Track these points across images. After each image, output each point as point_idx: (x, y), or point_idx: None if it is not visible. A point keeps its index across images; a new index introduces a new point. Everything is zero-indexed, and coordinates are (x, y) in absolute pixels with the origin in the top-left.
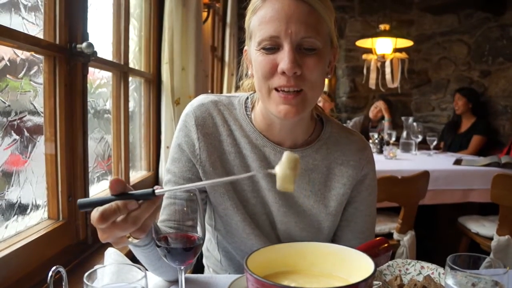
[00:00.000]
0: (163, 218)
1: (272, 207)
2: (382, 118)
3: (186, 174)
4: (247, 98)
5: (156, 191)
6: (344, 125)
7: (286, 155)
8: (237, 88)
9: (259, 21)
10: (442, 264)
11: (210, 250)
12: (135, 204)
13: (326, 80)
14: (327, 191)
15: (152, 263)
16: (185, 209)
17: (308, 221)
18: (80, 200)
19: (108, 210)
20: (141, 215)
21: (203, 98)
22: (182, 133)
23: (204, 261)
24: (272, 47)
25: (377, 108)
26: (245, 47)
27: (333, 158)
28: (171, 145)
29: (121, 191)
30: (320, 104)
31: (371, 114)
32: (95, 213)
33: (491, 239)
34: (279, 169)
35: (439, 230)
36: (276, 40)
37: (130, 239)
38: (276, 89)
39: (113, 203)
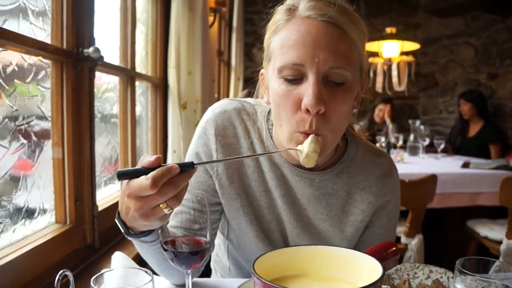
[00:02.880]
0: (172, 224)
1: (286, 226)
2: (385, 120)
3: (202, 186)
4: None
5: (195, 163)
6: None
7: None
8: (244, 88)
9: (281, 44)
10: (450, 268)
11: (219, 255)
12: (178, 168)
13: None
14: (344, 216)
15: (159, 262)
16: (192, 213)
17: (322, 244)
18: (119, 170)
19: (157, 175)
20: (180, 181)
21: (226, 104)
22: (201, 141)
23: (212, 264)
24: (295, 78)
25: (382, 111)
26: (262, 70)
27: (354, 183)
28: (188, 151)
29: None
30: None
31: (377, 118)
32: (144, 181)
33: (500, 242)
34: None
35: (447, 234)
36: (299, 68)
37: (165, 210)
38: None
39: (158, 170)
